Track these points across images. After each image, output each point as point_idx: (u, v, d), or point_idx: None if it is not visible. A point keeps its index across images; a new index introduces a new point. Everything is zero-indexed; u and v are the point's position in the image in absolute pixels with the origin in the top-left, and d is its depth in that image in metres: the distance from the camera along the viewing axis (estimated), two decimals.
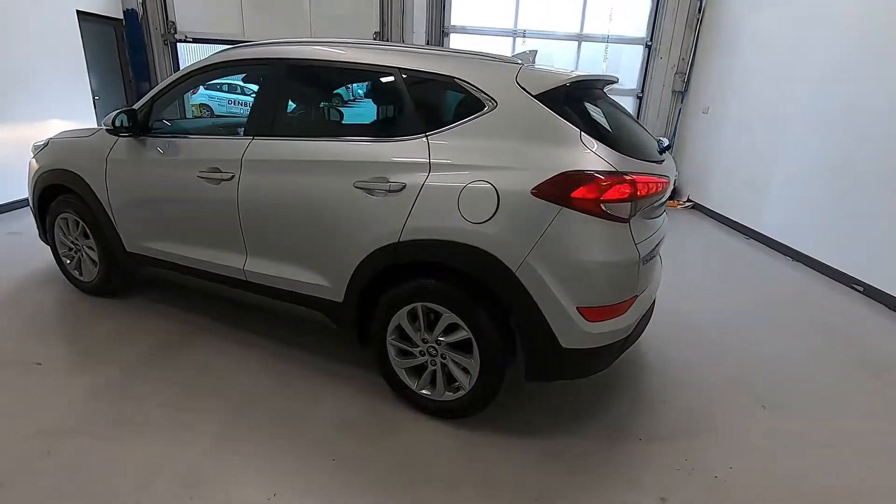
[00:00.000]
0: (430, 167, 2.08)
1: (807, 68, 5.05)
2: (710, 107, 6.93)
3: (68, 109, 6.05)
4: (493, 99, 2.06)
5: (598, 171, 1.87)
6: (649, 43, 7.38)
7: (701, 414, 2.47)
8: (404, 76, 2.23)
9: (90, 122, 6.42)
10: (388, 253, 2.16)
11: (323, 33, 7.35)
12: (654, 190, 2.04)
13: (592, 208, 1.87)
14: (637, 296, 2.12)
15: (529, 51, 2.64)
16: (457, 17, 7.36)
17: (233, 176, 2.50)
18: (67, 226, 3.31)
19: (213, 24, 7.37)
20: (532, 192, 1.90)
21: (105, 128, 2.79)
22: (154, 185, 2.83)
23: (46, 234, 3.47)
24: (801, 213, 5.01)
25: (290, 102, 2.50)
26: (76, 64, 6.17)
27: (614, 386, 2.65)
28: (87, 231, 3.20)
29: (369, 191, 2.17)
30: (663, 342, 3.11)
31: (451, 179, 2.02)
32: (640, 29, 7.39)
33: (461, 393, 2.22)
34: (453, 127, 2.10)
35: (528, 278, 1.93)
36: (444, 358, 2.22)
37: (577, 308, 1.95)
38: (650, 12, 7.28)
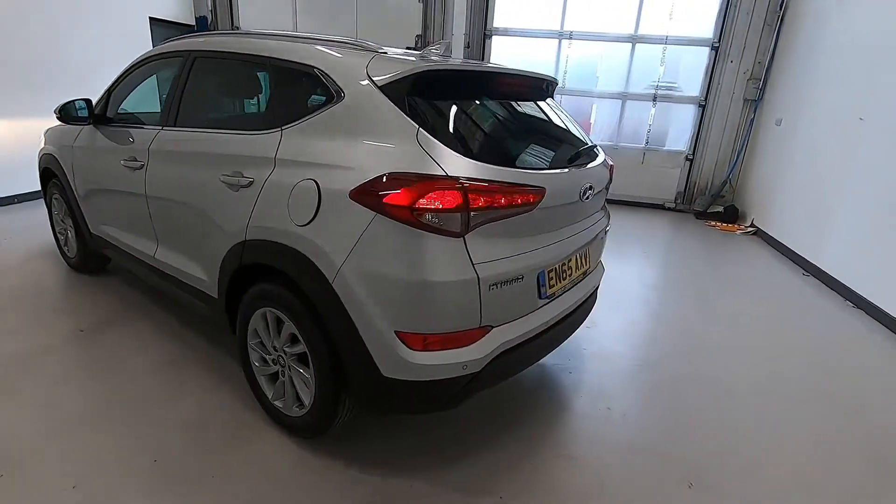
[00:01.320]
0: (275, 163, 1.93)
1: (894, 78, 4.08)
2: (783, 118, 5.94)
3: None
4: (341, 90, 1.86)
5: (418, 174, 1.60)
6: (716, 44, 6.53)
7: (604, 485, 2.03)
8: (272, 66, 2.12)
9: None
10: (237, 251, 2.06)
11: (368, 36, 7.48)
12: (504, 203, 1.70)
13: (406, 217, 1.59)
14: (491, 327, 1.79)
15: (441, 41, 2.39)
16: (500, 19, 7.10)
17: (142, 165, 2.56)
18: (58, 205, 3.65)
19: (269, 28, 7.82)
20: (350, 195, 1.67)
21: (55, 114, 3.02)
22: (99, 172, 3.00)
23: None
24: (865, 252, 4.06)
25: (190, 93, 2.50)
26: None
27: (514, 427, 2.29)
28: (68, 211, 3.50)
29: (229, 185, 2.08)
30: (614, 383, 2.66)
31: (287, 177, 1.86)
32: (706, 28, 6.56)
33: (304, 410, 2.03)
34: (303, 120, 1.93)
35: (343, 291, 1.71)
36: (291, 370, 2.06)
37: (395, 332, 1.68)
38: (719, 9, 6.43)
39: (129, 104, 3.04)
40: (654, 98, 6.87)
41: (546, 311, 2.02)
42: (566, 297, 2.16)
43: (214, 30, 7.82)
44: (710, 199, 6.98)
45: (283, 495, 1.84)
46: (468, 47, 7.07)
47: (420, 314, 1.66)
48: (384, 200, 1.60)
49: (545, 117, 2.28)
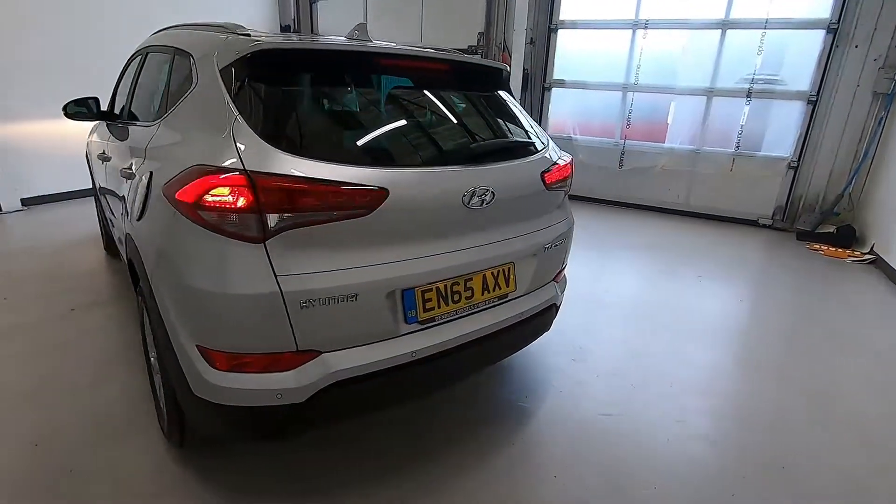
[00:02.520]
0: (145, 155, 1.86)
1: None
2: None
3: None
4: (197, 76, 1.71)
5: (214, 168, 1.39)
6: (834, 25, 5.28)
7: None
8: (170, 55, 2.05)
9: None
10: (124, 243, 2.03)
11: (434, 36, 7.39)
12: (317, 205, 1.40)
13: (193, 215, 1.39)
14: (318, 352, 1.50)
15: (358, 24, 2.14)
16: (567, 11, 6.52)
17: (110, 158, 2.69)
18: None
19: (342, 34, 8.11)
20: (162, 190, 1.52)
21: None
22: (98, 168, 3.24)
23: None
24: None
25: (138, 88, 2.56)
26: None
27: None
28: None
29: (125, 177, 2.06)
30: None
31: (142, 170, 1.77)
32: (820, 6, 5.34)
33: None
34: (171, 110, 1.83)
35: (157, 295, 1.56)
36: (155, 371, 1.97)
37: (196, 346, 1.48)
38: None
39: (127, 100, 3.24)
40: (749, 94, 5.77)
41: (418, 338, 1.67)
42: (463, 323, 1.78)
43: None
44: (820, 217, 5.67)
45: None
46: (531, 43, 6.61)
47: (214, 328, 1.45)
48: (175, 196, 1.42)
49: (440, 108, 1.93)
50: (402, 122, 1.79)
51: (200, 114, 1.60)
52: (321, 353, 1.51)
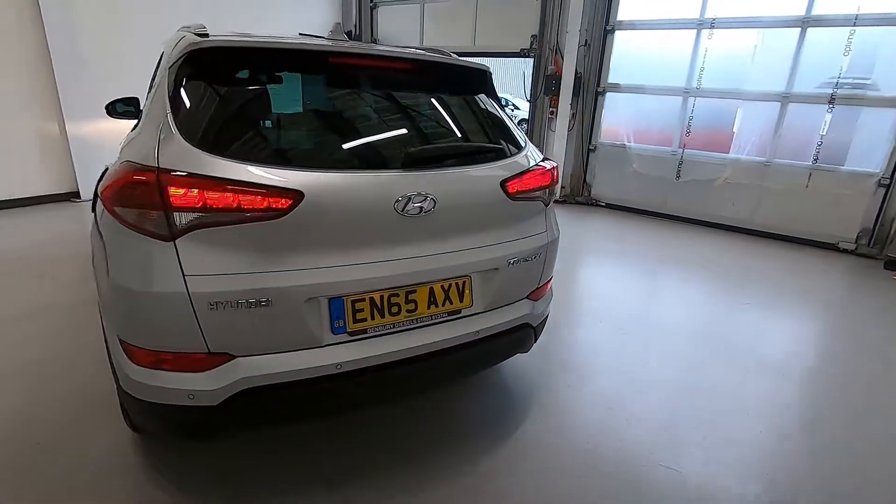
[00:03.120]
0: (120, 153, 1.94)
1: None
2: None
3: None
4: (158, 76, 1.77)
5: (133, 165, 1.40)
6: None
7: None
8: (160, 57, 2.14)
9: None
10: None
11: (486, 39, 7.30)
12: (226, 205, 1.37)
13: (110, 211, 1.41)
14: (231, 356, 1.47)
15: (334, 24, 2.10)
16: (625, 11, 6.13)
17: None
18: None
19: (399, 38, 8.26)
20: (98, 187, 1.57)
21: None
22: None
23: None
24: None
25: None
26: None
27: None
28: None
29: None
30: None
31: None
32: None
33: None
34: (144, 109, 1.89)
35: (96, 286, 1.61)
36: None
37: (119, 341, 1.51)
38: None
39: None
40: (832, 99, 5.08)
41: (346, 350, 1.59)
42: (403, 337, 1.68)
43: (360, 42, 8.57)
44: None
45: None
46: (585, 45, 6.30)
47: (131, 324, 1.47)
48: (100, 193, 1.46)
49: (390, 109, 1.84)
50: (336, 124, 1.72)
51: (151, 112, 1.64)
52: (235, 356, 1.48)
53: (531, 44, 6.83)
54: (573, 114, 6.59)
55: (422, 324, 1.73)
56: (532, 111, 7.13)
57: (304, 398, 1.61)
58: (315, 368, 1.55)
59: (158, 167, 1.36)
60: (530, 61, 6.97)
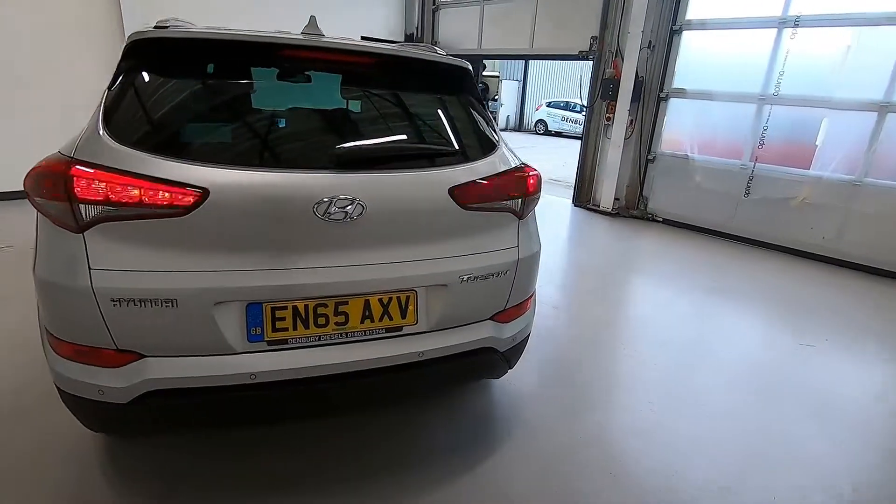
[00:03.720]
0: None
1: None
2: None
3: None
4: None
5: (53, 156, 1.40)
6: None
7: None
8: None
9: None
10: None
11: (544, 40, 7.01)
12: (127, 199, 1.31)
13: (30, 200, 1.41)
14: (140, 356, 1.42)
15: (310, 17, 2.02)
16: (696, 9, 5.58)
17: None
18: None
19: (458, 42, 8.17)
20: None
21: None
22: None
23: None
24: None
25: None
26: None
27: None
28: None
29: None
30: None
31: None
32: None
33: None
34: None
35: None
36: None
37: (45, 328, 1.52)
38: None
39: None
40: None
41: (262, 359, 1.50)
42: (331, 351, 1.56)
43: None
44: None
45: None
46: (649, 47, 5.82)
47: (49, 314, 1.46)
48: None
49: (331, 106, 1.72)
50: (263, 120, 1.61)
51: (99, 104, 1.65)
52: (144, 356, 1.44)
53: (590, 46, 6.44)
54: (631, 121, 6.12)
55: (354, 339, 1.59)
56: (588, 117, 6.73)
57: (217, 405, 1.53)
58: (227, 376, 1.47)
59: (72, 158, 1.35)
60: (589, 64, 6.59)
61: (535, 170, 1.90)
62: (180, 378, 1.44)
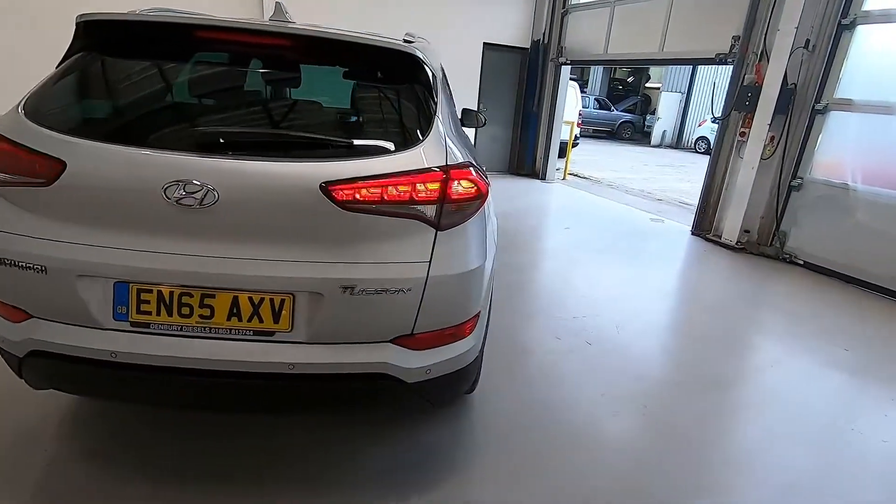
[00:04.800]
0: None
1: None
2: None
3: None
4: None
5: None
6: None
7: None
8: None
9: (468, 129, 8.32)
10: None
11: (677, 43, 6.14)
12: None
13: None
14: (28, 315, 1.51)
15: (276, 3, 1.97)
16: None
17: None
18: None
19: (584, 48, 7.60)
20: None
21: None
22: None
23: None
24: None
25: None
26: (469, 81, 8.10)
27: None
28: None
29: None
30: None
31: None
32: None
33: None
34: None
35: None
36: None
37: None
38: None
39: None
40: None
41: (124, 340, 1.48)
42: (194, 344, 1.49)
43: (543, 51, 8.25)
44: None
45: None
46: (805, 47, 4.66)
47: None
48: None
49: (224, 85, 1.60)
50: (146, 99, 1.57)
51: None
52: (32, 316, 1.52)
53: (731, 47, 5.42)
54: (772, 137, 4.98)
55: (217, 335, 1.49)
56: (720, 132, 5.68)
57: (89, 378, 1.56)
58: (91, 350, 1.48)
59: None
60: (727, 69, 5.56)
61: (472, 173, 1.58)
62: (54, 343, 1.50)
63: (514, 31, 8.21)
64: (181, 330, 1.48)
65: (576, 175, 9.78)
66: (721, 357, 3.12)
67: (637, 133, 20.73)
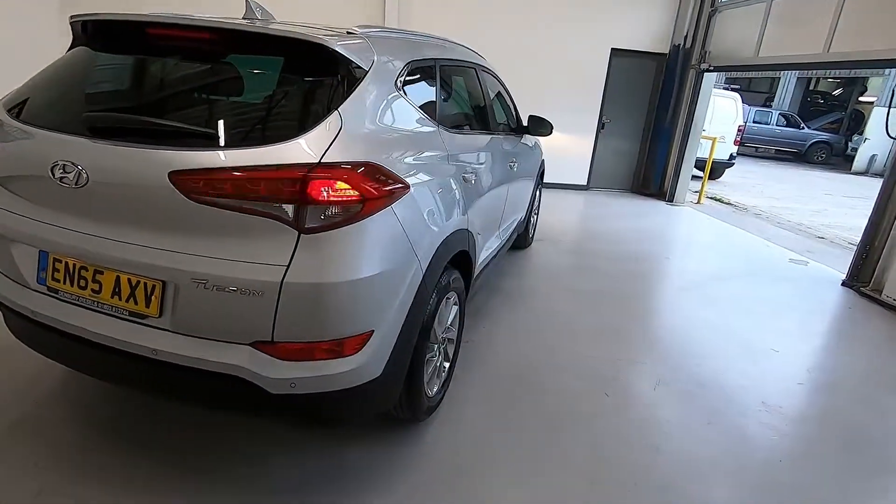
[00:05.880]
0: None
1: None
2: None
3: (571, 124, 7.60)
4: None
5: None
6: None
7: None
8: None
9: (588, 137, 7.73)
10: None
11: (849, 41, 4.86)
12: None
13: None
14: None
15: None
16: None
17: None
18: None
19: (732, 51, 6.45)
20: None
21: None
22: None
23: None
24: None
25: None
26: (591, 91, 7.51)
27: None
28: None
29: None
30: None
31: None
32: None
33: None
34: None
35: None
36: None
37: None
38: None
39: None
40: None
41: (41, 301, 1.67)
42: (83, 315, 1.61)
43: (683, 57, 7.27)
44: None
45: None
46: None
47: None
48: None
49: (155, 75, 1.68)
50: (80, 85, 1.68)
51: None
52: None
53: None
54: None
55: (101, 310, 1.58)
56: (894, 157, 4.30)
57: (22, 329, 1.77)
58: (20, 305, 1.70)
59: None
60: None
61: (348, 174, 1.42)
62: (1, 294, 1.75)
63: (650, 35, 7.40)
64: (78, 301, 1.61)
65: (717, 199, 8.41)
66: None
67: (836, 156, 17.09)
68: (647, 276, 4.70)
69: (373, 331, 1.58)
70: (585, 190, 8.08)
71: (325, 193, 1.39)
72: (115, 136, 1.49)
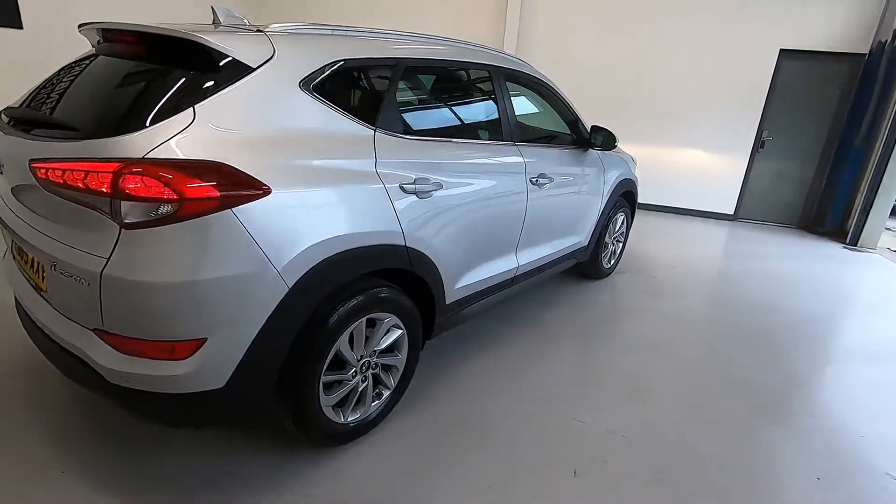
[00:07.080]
0: None
1: None
2: None
3: (717, 140, 6.40)
4: None
5: None
6: None
7: None
8: None
9: (740, 156, 6.40)
10: None
11: None
12: None
13: None
14: None
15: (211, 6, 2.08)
16: None
17: None
18: None
19: None
20: None
21: None
22: None
23: None
24: None
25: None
26: (748, 101, 6.19)
27: None
28: None
29: None
30: None
31: None
32: None
33: None
34: None
35: None
36: None
37: None
38: None
39: None
40: None
41: (13, 275, 1.96)
42: (24, 283, 1.85)
43: (888, 57, 5.52)
44: None
45: None
46: None
47: None
48: None
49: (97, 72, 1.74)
50: (52, 85, 1.85)
51: None
52: None
53: None
54: None
55: (31, 284, 1.79)
56: None
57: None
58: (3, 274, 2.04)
59: None
60: None
61: (163, 172, 1.35)
62: None
63: (839, 31, 5.79)
64: (22, 272, 1.86)
65: None
66: None
67: None
68: (776, 342, 3.43)
69: (206, 338, 1.49)
70: (731, 220, 6.70)
71: (137, 189, 1.36)
72: (16, 128, 1.66)
